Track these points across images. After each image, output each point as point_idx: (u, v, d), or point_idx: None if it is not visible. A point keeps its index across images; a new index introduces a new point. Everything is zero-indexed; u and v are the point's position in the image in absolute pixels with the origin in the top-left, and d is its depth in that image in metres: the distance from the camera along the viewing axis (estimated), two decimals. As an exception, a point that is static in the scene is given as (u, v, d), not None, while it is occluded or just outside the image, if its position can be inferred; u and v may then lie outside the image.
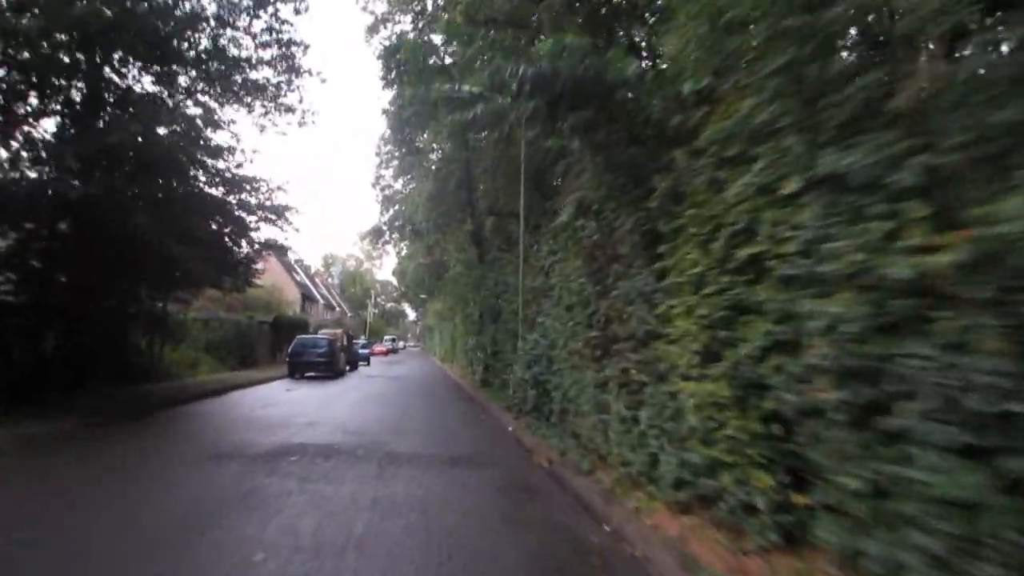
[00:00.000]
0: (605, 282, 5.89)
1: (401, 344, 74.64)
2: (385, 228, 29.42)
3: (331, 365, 19.65)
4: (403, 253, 38.16)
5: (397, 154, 27.47)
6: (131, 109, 10.83)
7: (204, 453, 6.76)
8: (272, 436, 8.01)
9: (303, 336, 21.19)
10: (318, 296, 53.67)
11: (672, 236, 4.60)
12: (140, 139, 10.05)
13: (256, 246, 13.92)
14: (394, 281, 65.35)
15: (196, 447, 7.22)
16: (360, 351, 30.07)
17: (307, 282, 51.87)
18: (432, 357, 48.63)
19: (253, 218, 13.33)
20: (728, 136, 3.82)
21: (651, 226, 4.99)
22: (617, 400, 5.51)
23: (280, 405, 11.98)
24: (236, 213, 12.86)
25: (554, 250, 8.13)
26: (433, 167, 23.58)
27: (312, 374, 19.88)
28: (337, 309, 62.62)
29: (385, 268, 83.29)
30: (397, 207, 28.62)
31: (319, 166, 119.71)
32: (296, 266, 53.49)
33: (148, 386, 13.34)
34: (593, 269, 6.23)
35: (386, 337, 64.14)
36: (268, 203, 13.31)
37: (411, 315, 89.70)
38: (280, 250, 15.66)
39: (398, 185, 28.85)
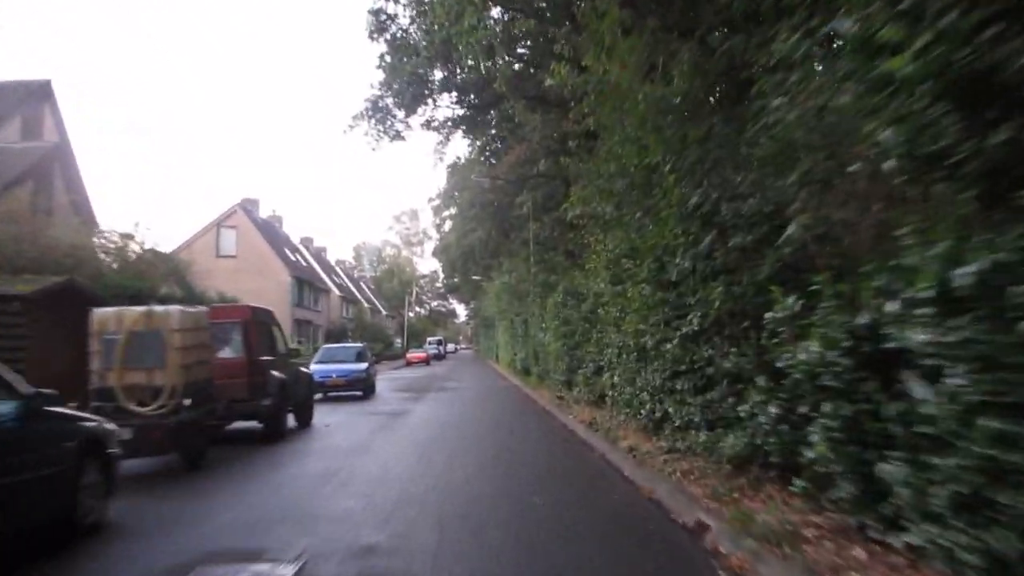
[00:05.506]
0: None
1: (451, 347, 61.15)
2: (393, 103, 13.80)
3: None
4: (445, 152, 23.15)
5: None
6: None
7: None
8: None
9: None
10: (331, 286, 39.07)
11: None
12: None
13: None
14: (438, 267, 50.72)
15: None
16: (350, 369, 14.21)
17: (312, 263, 37.23)
18: (493, 364, 33.34)
19: None
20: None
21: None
22: None
23: None
24: None
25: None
26: None
27: None
28: (365, 305, 48.03)
29: (427, 256, 69.23)
30: (416, 59, 12.94)
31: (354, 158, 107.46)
32: (302, 244, 38.98)
33: None
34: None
35: (430, 339, 49.48)
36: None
37: (461, 316, 76.62)
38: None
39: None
